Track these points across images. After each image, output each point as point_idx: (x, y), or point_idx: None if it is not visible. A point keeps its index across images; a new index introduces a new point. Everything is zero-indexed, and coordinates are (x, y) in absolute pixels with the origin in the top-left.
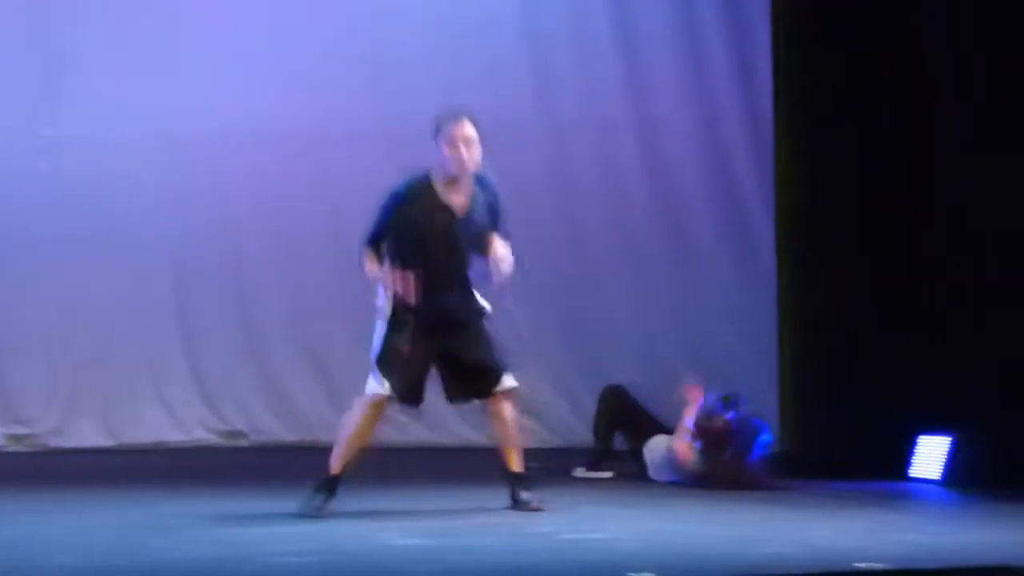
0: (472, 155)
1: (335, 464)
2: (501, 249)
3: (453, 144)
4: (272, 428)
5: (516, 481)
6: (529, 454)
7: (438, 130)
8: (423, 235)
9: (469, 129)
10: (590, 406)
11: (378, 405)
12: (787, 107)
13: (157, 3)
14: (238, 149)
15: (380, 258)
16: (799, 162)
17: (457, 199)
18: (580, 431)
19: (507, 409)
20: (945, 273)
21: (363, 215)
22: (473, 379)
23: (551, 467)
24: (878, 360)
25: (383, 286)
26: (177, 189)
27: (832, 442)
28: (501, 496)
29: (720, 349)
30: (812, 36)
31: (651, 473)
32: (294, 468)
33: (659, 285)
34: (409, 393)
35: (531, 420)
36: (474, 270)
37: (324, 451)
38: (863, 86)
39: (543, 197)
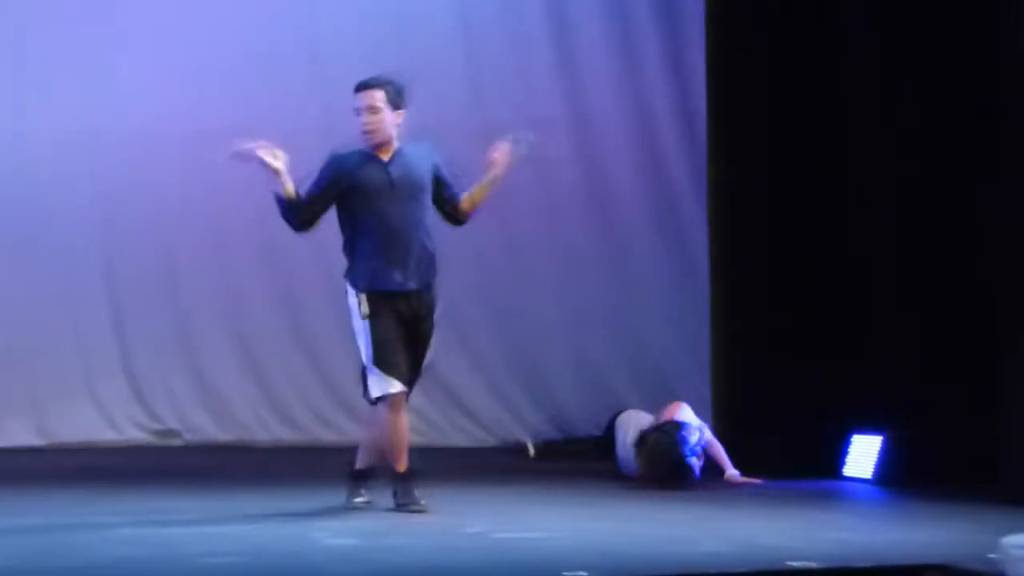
0: (374, 121)
1: (400, 462)
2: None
3: (356, 112)
4: (206, 427)
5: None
6: (465, 453)
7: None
8: (362, 188)
9: (368, 98)
10: (523, 406)
11: (399, 403)
12: (721, 106)
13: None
14: (168, 146)
15: (310, 218)
16: (733, 162)
17: (387, 155)
18: (513, 430)
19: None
20: (876, 272)
21: None
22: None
23: (484, 466)
24: (812, 359)
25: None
26: (108, 187)
27: (767, 442)
28: (433, 495)
29: (653, 349)
30: (746, 36)
31: (618, 448)
32: (228, 468)
33: (592, 285)
34: (410, 378)
35: (465, 420)
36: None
37: (258, 451)
38: (798, 86)
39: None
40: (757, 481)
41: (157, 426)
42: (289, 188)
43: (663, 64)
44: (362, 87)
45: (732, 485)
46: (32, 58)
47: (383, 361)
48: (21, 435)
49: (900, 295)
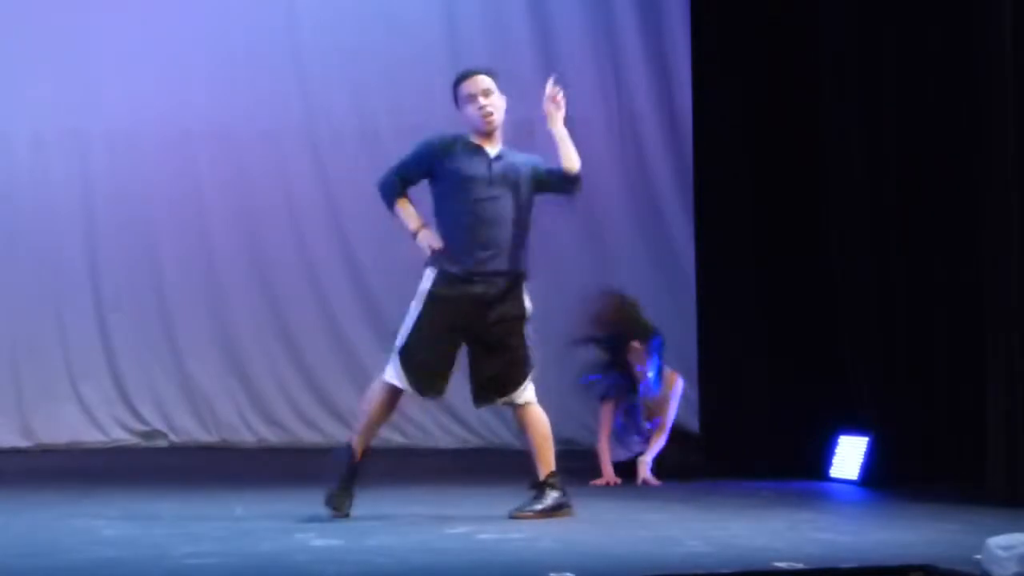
0: (496, 104)
1: (356, 445)
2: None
3: (472, 99)
4: (191, 429)
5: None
6: (449, 454)
7: (455, 97)
8: (461, 178)
9: (485, 82)
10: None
11: (396, 395)
12: (706, 107)
13: None
14: (153, 147)
15: (409, 200)
16: (718, 163)
17: (493, 150)
18: (500, 432)
19: (528, 418)
20: (861, 274)
21: (281, 214)
22: (486, 383)
23: (469, 468)
24: (798, 360)
25: (424, 247)
26: (92, 188)
27: (753, 443)
28: (418, 496)
29: None
30: (731, 36)
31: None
32: (212, 469)
33: (576, 287)
34: (429, 389)
35: (449, 421)
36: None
37: (243, 452)
38: (784, 86)
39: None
40: (657, 483)
41: (142, 427)
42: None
43: (647, 63)
44: (472, 74)
45: (715, 488)
46: (14, 58)
47: (407, 357)
48: (6, 436)
49: (884, 296)
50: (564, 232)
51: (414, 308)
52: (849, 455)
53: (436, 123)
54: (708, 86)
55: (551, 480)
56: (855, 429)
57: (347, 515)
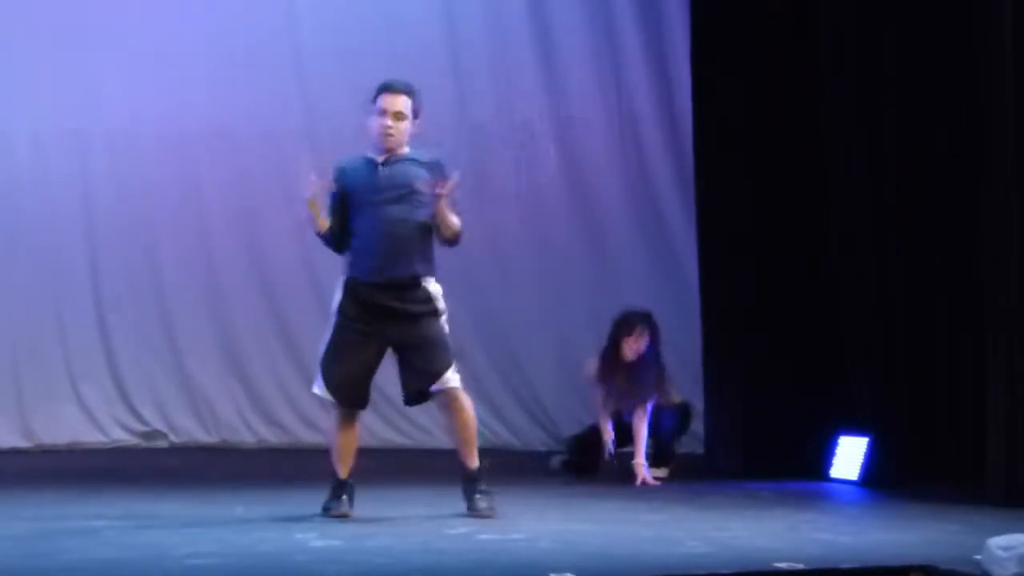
0: (401, 129)
1: (338, 470)
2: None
3: (382, 114)
4: (191, 429)
5: (469, 484)
6: (449, 455)
7: (373, 99)
8: (353, 190)
9: (401, 103)
10: (505, 407)
11: (348, 415)
12: (706, 107)
13: None
14: (153, 147)
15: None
16: (718, 163)
17: (381, 157)
18: (501, 432)
19: (454, 408)
20: (864, 273)
21: (280, 215)
22: (414, 380)
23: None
24: (799, 361)
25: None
26: (92, 188)
27: (753, 443)
28: (417, 496)
29: None
30: (731, 36)
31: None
32: (213, 470)
33: (576, 287)
34: (351, 398)
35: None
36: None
37: (243, 453)
38: (784, 86)
39: (459, 198)
40: (656, 483)
41: (142, 427)
42: (322, 224)
43: (648, 65)
44: (390, 90)
45: (716, 488)
46: (14, 58)
47: (326, 370)
48: (6, 436)
49: (884, 297)
50: (564, 232)
51: (329, 323)
52: (849, 455)
53: (436, 123)
54: (708, 86)
55: (483, 468)
56: (855, 429)
57: (348, 515)
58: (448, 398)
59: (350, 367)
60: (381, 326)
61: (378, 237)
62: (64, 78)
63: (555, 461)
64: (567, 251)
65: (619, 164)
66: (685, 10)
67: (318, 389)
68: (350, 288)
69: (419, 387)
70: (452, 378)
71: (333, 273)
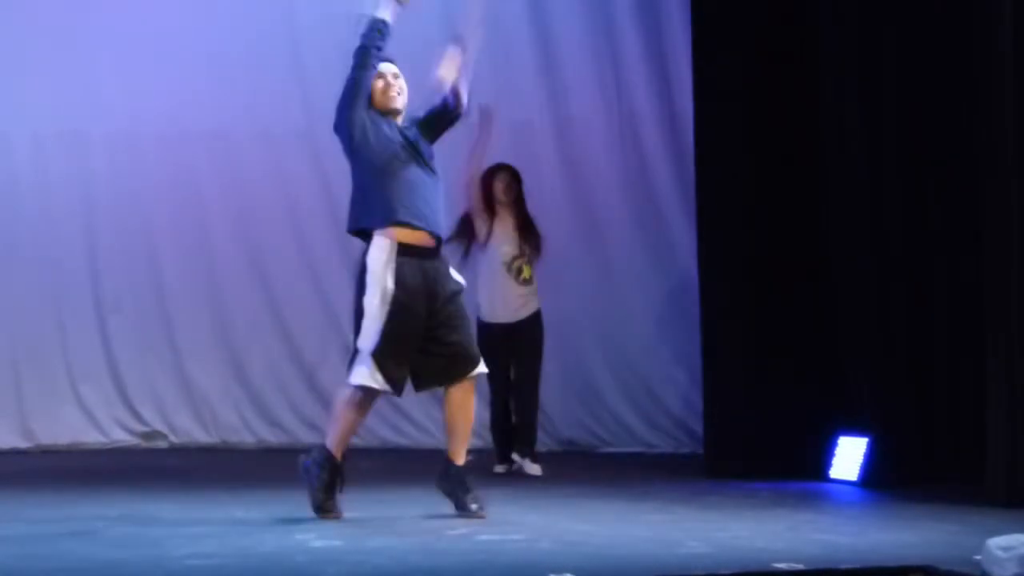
0: (400, 86)
1: (337, 451)
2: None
3: (380, 76)
4: (191, 430)
5: (460, 483)
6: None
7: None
8: (382, 142)
9: (393, 66)
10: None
11: (371, 397)
12: (706, 107)
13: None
14: (152, 147)
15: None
16: (718, 163)
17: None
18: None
19: (471, 398)
20: (862, 275)
21: (279, 215)
22: (445, 364)
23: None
24: (799, 361)
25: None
26: (92, 189)
27: (753, 443)
28: (417, 497)
29: (641, 353)
30: (731, 36)
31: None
32: (213, 470)
33: (577, 287)
34: (401, 387)
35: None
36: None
37: (243, 453)
38: (784, 86)
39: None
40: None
41: (142, 428)
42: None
43: (648, 65)
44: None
45: (715, 489)
46: (14, 58)
47: (382, 358)
48: (6, 437)
49: (884, 297)
50: (564, 232)
51: (377, 307)
52: (849, 456)
53: None
54: (708, 86)
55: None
56: (855, 430)
57: (340, 515)
58: (470, 386)
59: (408, 361)
60: (428, 304)
61: (419, 185)
62: (64, 78)
63: (498, 468)
64: (566, 251)
65: (619, 164)
66: (685, 10)
67: (365, 379)
68: (404, 249)
69: (461, 372)
70: (481, 365)
71: (333, 273)
